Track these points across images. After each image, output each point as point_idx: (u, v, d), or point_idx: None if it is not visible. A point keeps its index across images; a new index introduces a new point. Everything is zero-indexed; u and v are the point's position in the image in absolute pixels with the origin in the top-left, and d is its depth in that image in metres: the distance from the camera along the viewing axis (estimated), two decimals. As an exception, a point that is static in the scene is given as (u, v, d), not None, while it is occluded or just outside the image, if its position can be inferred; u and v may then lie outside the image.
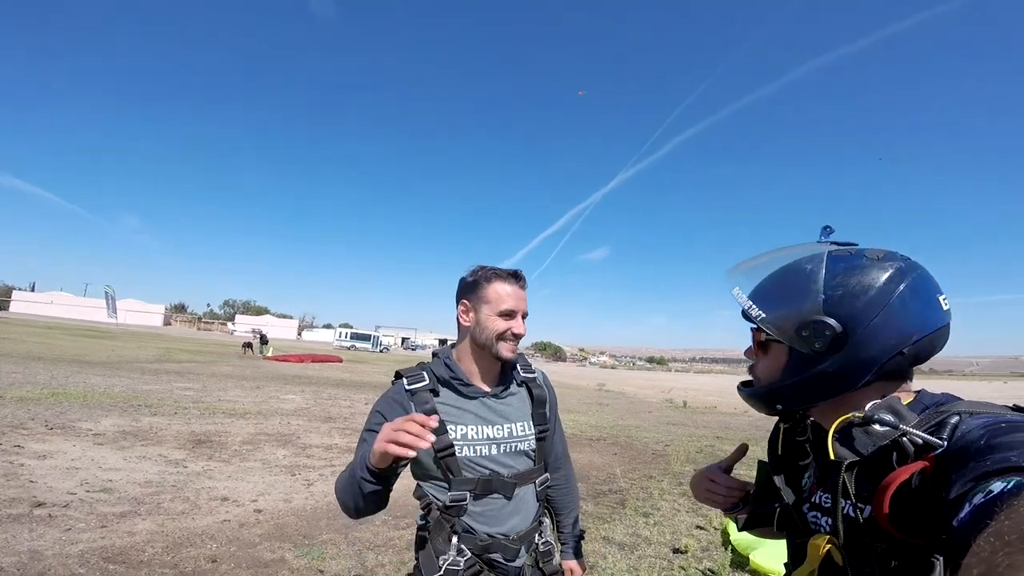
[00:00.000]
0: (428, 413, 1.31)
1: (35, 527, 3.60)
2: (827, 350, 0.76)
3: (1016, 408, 0.67)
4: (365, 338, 67.52)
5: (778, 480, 0.92)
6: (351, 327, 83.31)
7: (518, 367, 1.52)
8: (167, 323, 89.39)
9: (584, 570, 1.66)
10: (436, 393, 1.41)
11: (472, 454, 1.38)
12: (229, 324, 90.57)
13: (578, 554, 1.64)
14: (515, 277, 1.45)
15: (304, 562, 3.50)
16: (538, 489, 1.49)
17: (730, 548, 3.92)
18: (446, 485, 1.37)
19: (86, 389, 9.93)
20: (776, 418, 0.97)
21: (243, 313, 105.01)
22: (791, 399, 0.83)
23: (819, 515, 0.82)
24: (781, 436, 0.96)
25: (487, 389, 1.45)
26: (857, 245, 0.84)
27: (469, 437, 1.38)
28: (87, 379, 11.48)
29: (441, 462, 1.35)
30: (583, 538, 1.68)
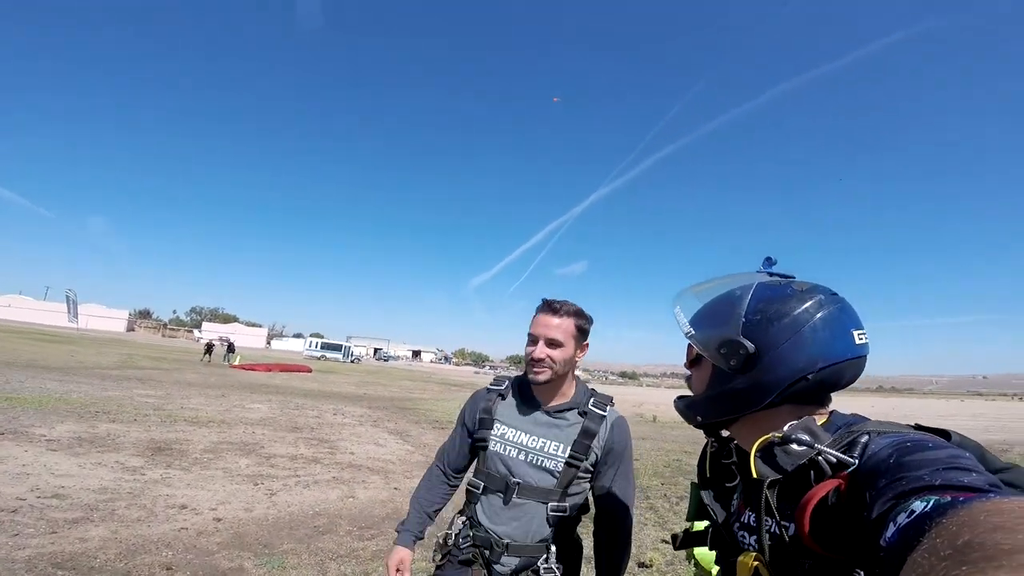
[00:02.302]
0: (485, 410, 1.63)
1: (-20, 533, 3.46)
2: (740, 368, 0.83)
3: (918, 427, 0.73)
4: (336, 348, 66.31)
5: (706, 496, 0.99)
6: (322, 337, 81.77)
7: (591, 400, 1.59)
8: (131, 329, 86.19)
9: None
10: (504, 397, 1.65)
11: (500, 451, 1.57)
12: (195, 331, 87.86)
13: None
14: (550, 307, 1.57)
15: (264, 571, 3.44)
16: (549, 513, 1.52)
17: (694, 562, 3.97)
18: (475, 472, 1.65)
19: (41, 394, 9.53)
20: (704, 441, 1.04)
21: (211, 320, 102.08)
22: (708, 411, 0.91)
23: (747, 534, 0.87)
24: (708, 458, 1.02)
25: (545, 404, 1.60)
26: (794, 278, 0.91)
27: (506, 437, 1.58)
28: (43, 384, 11.02)
29: (477, 452, 1.64)
30: None
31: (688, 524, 1.13)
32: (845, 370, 0.81)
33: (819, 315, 0.81)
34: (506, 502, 1.53)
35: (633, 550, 4.55)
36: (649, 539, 4.82)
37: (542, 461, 1.53)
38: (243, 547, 3.80)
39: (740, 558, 0.81)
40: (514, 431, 1.57)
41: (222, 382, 17.12)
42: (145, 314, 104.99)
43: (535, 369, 1.52)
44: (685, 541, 1.08)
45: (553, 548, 1.53)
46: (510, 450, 1.56)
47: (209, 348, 29.63)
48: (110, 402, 9.63)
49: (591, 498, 1.65)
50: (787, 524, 0.72)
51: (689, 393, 1.01)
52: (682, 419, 0.99)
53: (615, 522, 1.58)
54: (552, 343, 1.52)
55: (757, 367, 0.82)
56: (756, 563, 0.77)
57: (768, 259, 0.95)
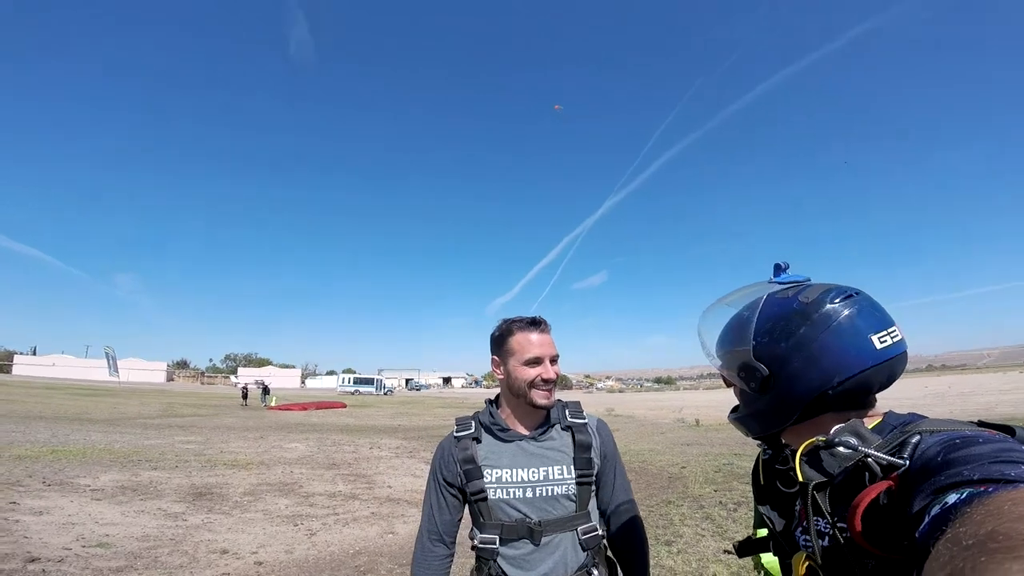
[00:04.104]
0: (466, 460, 1.42)
1: (26, 586, 3.43)
2: (759, 390, 0.85)
3: (980, 423, 0.70)
4: (368, 382, 66.99)
5: (763, 509, 0.96)
6: (354, 372, 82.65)
7: (567, 411, 1.51)
8: (170, 379, 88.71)
9: None
10: (479, 440, 1.46)
11: (506, 496, 1.39)
12: (232, 377, 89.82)
13: None
14: (535, 324, 1.46)
15: (308, 610, 3.31)
16: (582, 538, 1.41)
17: (763, 572, 3.71)
18: (478, 527, 1.42)
19: (86, 446, 9.73)
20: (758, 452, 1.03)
21: (245, 366, 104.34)
22: (752, 427, 0.93)
23: (809, 537, 0.84)
24: (761, 466, 0.99)
25: (525, 432, 1.46)
26: (809, 280, 0.90)
27: (504, 480, 1.40)
28: (87, 436, 11.27)
29: (474, 506, 1.41)
30: None
31: (751, 532, 1.11)
32: (872, 377, 0.79)
33: (826, 329, 0.80)
34: (537, 544, 1.37)
35: (694, 564, 4.34)
36: (710, 551, 4.53)
37: (553, 490, 1.40)
38: (287, 587, 3.67)
39: (794, 558, 0.83)
40: (509, 471, 1.41)
41: (260, 424, 17.30)
42: (183, 364, 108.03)
43: (546, 392, 1.42)
44: (749, 548, 1.04)
45: (595, 572, 1.41)
46: (514, 491, 1.39)
47: (245, 392, 30.14)
48: (152, 450, 9.76)
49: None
50: (843, 525, 0.70)
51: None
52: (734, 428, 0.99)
53: (632, 521, 1.53)
54: (555, 360, 1.45)
55: (774, 389, 0.83)
56: (808, 563, 0.78)
57: (778, 266, 0.94)
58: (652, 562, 4.33)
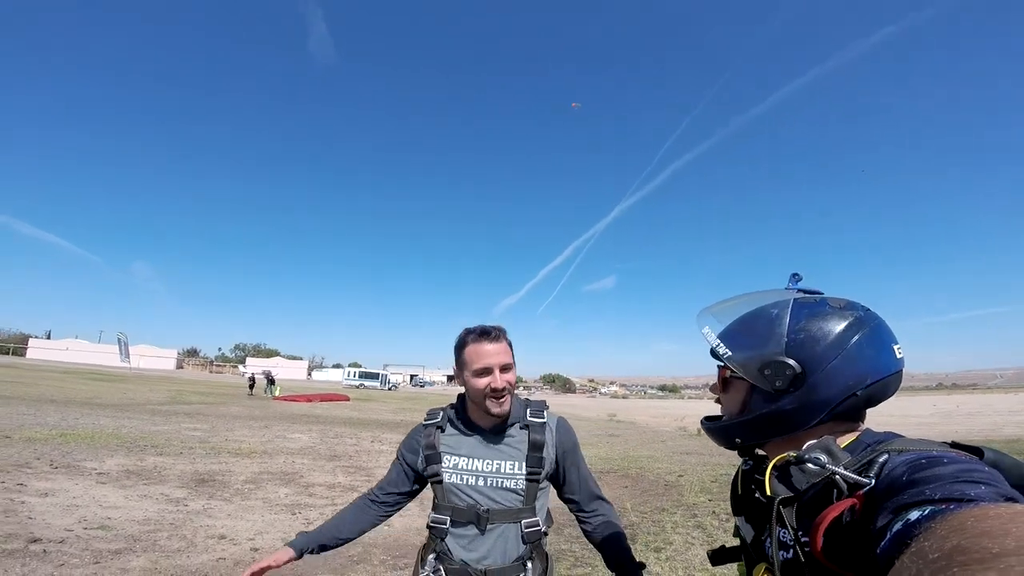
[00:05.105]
0: (428, 445, 1.57)
1: (28, 562, 3.56)
2: (786, 389, 0.83)
3: (953, 444, 0.72)
4: (374, 376, 67.33)
5: (737, 520, 0.99)
6: (360, 366, 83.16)
7: (527, 410, 1.60)
8: (180, 367, 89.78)
9: None
10: (443, 429, 1.60)
11: (458, 482, 1.52)
12: (240, 367, 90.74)
13: None
14: (485, 334, 1.52)
15: (298, 598, 3.39)
16: (524, 531, 1.51)
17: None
18: (434, 508, 1.56)
19: (94, 430, 9.93)
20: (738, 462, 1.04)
21: (254, 356, 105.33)
22: (749, 434, 0.91)
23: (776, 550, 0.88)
24: (740, 477, 1.01)
25: (486, 428, 1.57)
26: (822, 293, 0.91)
27: (460, 467, 1.53)
28: (96, 420, 11.49)
29: (433, 488, 1.56)
30: (640, 571, 1.56)
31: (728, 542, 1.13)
32: (890, 384, 0.83)
33: (862, 332, 0.82)
34: (482, 531, 1.50)
35: (680, 572, 4.38)
36: (697, 559, 4.56)
37: (503, 482, 1.51)
38: None
39: (755, 569, 0.86)
40: (466, 459, 1.53)
41: (265, 414, 17.51)
42: (192, 352, 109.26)
43: (499, 400, 1.48)
44: (722, 556, 1.06)
45: (529, 565, 1.52)
46: (467, 479, 1.52)
47: (252, 382, 30.48)
48: (158, 436, 9.94)
49: (566, 505, 1.68)
50: (806, 540, 0.72)
51: (716, 413, 1.01)
52: (714, 441, 0.98)
53: (603, 510, 1.65)
54: (506, 368, 1.50)
55: (804, 387, 0.82)
56: (766, 574, 0.81)
57: (795, 275, 0.95)
58: (640, 567, 4.37)
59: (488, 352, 1.48)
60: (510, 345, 1.57)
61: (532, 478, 1.52)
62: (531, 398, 1.67)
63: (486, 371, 1.48)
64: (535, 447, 1.53)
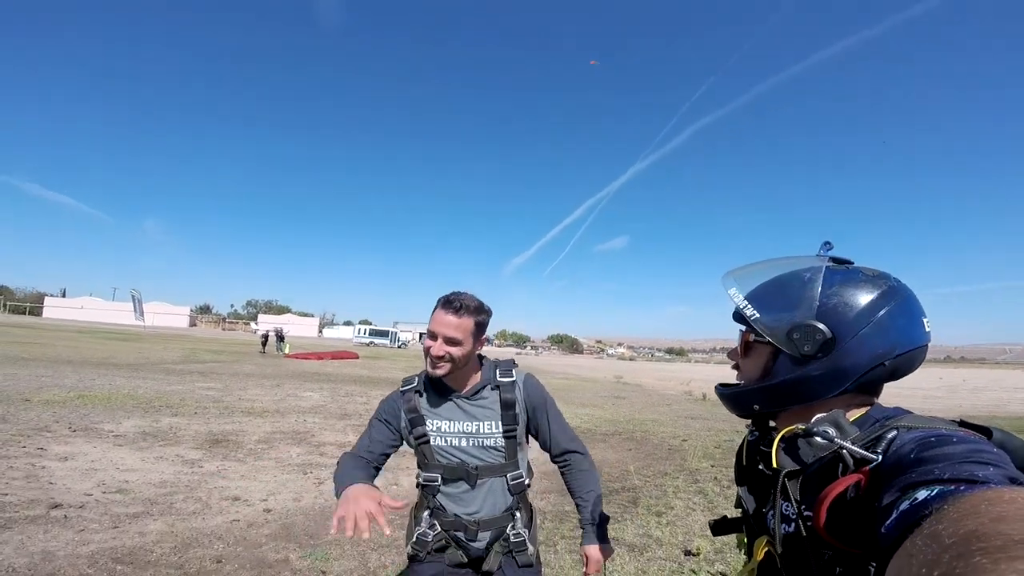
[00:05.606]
0: (410, 409, 1.66)
1: (50, 528, 3.69)
2: (814, 354, 0.81)
3: (961, 423, 0.70)
4: (383, 334, 68.31)
5: (740, 490, 0.98)
6: (370, 324, 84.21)
7: (497, 371, 1.70)
8: (192, 324, 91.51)
9: (607, 556, 1.70)
10: (421, 394, 1.69)
11: (444, 443, 1.64)
12: (252, 324, 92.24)
13: (599, 539, 1.70)
14: (448, 304, 1.59)
15: (307, 563, 3.52)
16: (510, 483, 1.66)
17: (744, 551, 3.81)
18: (423, 467, 1.68)
19: (111, 391, 10.18)
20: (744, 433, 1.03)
21: (266, 312, 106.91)
22: (769, 401, 0.88)
23: (775, 523, 0.86)
24: (745, 448, 1.00)
25: (461, 391, 1.67)
26: (853, 263, 0.89)
27: (443, 430, 1.65)
28: (112, 381, 11.78)
29: (418, 448, 1.67)
30: (604, 523, 1.72)
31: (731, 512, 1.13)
32: (916, 357, 0.82)
33: (894, 302, 0.81)
34: (473, 486, 1.63)
35: (680, 537, 4.47)
36: (697, 525, 4.66)
37: (483, 441, 1.63)
38: (290, 538, 3.90)
39: (757, 540, 0.85)
40: (448, 422, 1.65)
41: (277, 372, 17.88)
42: (205, 309, 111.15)
43: (437, 364, 1.57)
44: (723, 527, 1.06)
45: (517, 514, 1.68)
46: (452, 439, 1.64)
47: (265, 339, 30.98)
48: (173, 396, 10.19)
49: (545, 452, 1.79)
50: (809, 514, 0.71)
51: (732, 380, 0.99)
52: (728, 409, 0.97)
53: (572, 460, 1.74)
54: (450, 341, 1.56)
55: (833, 353, 0.80)
56: (767, 547, 0.81)
57: (827, 243, 0.92)
58: (641, 531, 4.48)
59: (440, 320, 1.57)
60: (479, 325, 1.61)
61: (509, 435, 1.64)
62: (518, 356, 1.77)
63: (432, 335, 1.59)
64: (507, 405, 1.64)
